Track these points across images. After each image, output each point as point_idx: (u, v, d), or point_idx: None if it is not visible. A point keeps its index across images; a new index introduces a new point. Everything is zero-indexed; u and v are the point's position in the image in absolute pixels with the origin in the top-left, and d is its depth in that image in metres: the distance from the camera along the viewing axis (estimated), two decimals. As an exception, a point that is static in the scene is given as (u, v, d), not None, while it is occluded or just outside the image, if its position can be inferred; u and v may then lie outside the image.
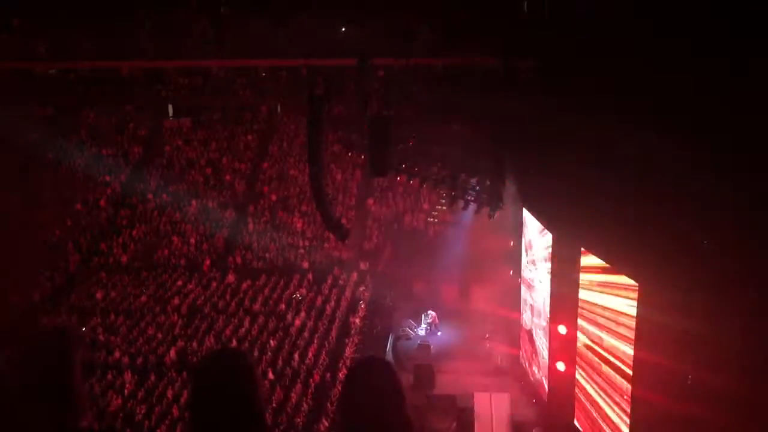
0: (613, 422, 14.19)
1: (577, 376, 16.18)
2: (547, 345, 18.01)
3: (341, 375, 20.02)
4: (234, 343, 21.78)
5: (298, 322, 22.98)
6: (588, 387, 15.60)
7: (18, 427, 2.46)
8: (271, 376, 19.84)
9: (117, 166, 32.44)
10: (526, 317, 20.44)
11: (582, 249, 15.20)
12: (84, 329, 22.40)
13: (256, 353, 21.15)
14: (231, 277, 26.51)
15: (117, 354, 21.42)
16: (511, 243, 22.32)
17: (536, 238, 18.92)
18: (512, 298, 22.03)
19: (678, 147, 10.68)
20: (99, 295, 25.54)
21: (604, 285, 14.36)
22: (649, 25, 11.16)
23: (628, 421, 13.41)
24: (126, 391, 19.61)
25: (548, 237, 17.52)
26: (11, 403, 2.47)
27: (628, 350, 13.18)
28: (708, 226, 10.74)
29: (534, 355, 19.69)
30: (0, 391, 2.50)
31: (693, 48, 10.33)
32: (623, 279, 13.23)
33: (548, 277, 17.71)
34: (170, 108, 35.28)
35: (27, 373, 2.50)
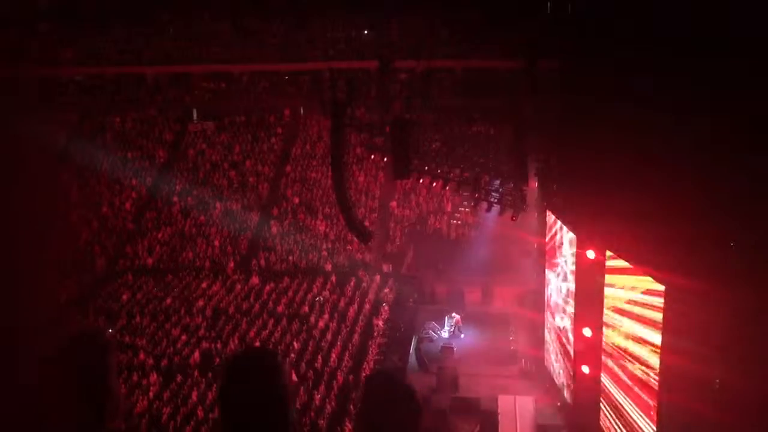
0: (639, 426, 14.03)
1: (603, 380, 16.02)
2: (572, 348, 17.86)
3: (364, 377, 20.05)
4: (257, 345, 21.90)
5: (321, 324, 23.05)
6: (614, 390, 15.44)
7: (57, 427, 2.52)
8: (294, 378, 19.92)
9: (142, 169, 32.82)
10: (551, 319, 20.29)
11: (607, 251, 15.06)
12: (111, 331, 22.67)
13: (279, 355, 21.26)
14: (255, 280, 26.67)
15: (142, 355, 21.65)
16: (535, 245, 22.20)
17: (560, 239, 18.79)
18: (536, 300, 21.90)
19: (707, 147, 10.55)
20: (125, 297, 25.84)
21: (629, 288, 14.22)
22: (675, 21, 11.04)
23: (654, 425, 13.25)
24: (151, 393, 19.81)
25: (572, 238, 17.39)
26: (50, 403, 2.54)
27: (655, 353, 13.03)
28: (736, 228, 10.59)
29: (559, 357, 19.54)
30: (40, 391, 2.56)
31: (722, 45, 10.19)
32: (649, 281, 13.08)
33: (573, 279, 17.57)
34: (194, 112, 35.62)
35: (65, 374, 2.56)
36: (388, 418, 2.48)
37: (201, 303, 25.09)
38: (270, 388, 2.48)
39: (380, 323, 23.28)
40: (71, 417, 2.52)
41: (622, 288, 14.59)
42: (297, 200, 30.97)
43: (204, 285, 26.54)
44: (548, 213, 19.77)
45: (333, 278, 26.24)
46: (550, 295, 20.22)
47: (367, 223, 25.14)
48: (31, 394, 2.56)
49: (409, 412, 2.50)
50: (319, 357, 21.06)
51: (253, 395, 2.46)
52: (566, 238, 18.06)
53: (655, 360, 13.06)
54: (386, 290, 25.46)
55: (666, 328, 12.45)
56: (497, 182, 19.95)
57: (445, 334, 23.46)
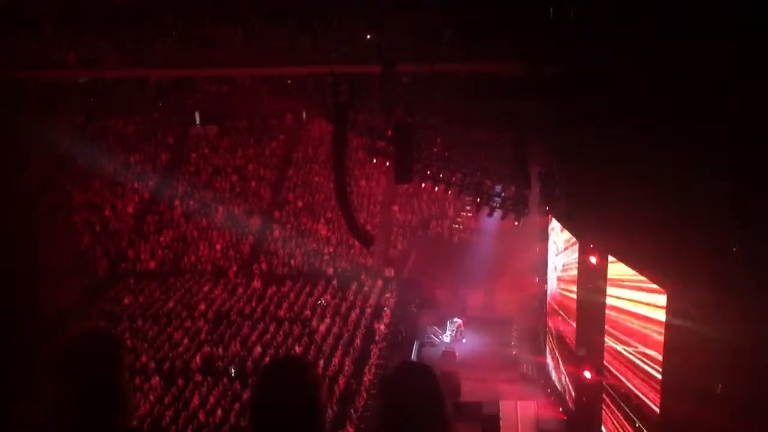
0: (641, 432, 13.99)
1: (605, 385, 15.99)
2: (574, 353, 17.82)
3: (366, 381, 20.02)
4: (259, 348, 21.88)
5: (323, 329, 23.03)
6: (615, 395, 15.40)
7: (73, 425, 2.52)
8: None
9: (145, 173, 32.85)
10: (553, 324, 20.26)
11: (609, 256, 15.03)
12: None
13: (281, 359, 21.23)
14: (257, 283, 26.66)
15: (144, 359, 21.64)
16: (537, 249, 22.18)
17: (562, 244, 18.77)
18: (538, 305, 21.87)
19: (709, 152, 10.54)
20: (127, 301, 25.85)
21: (631, 292, 14.18)
22: (682, 27, 11.03)
23: (657, 431, 13.20)
24: (153, 396, 19.79)
25: (574, 243, 17.36)
26: (67, 401, 2.54)
27: (657, 358, 12.99)
28: (738, 233, 10.57)
29: (560, 362, 19.50)
30: (57, 389, 2.57)
31: (724, 53, 10.18)
32: (651, 286, 13.05)
33: (575, 284, 17.54)
34: (197, 115, 35.63)
35: (77, 372, 2.56)
36: (411, 409, 2.42)
37: (203, 307, 25.10)
38: (302, 398, 2.45)
39: (382, 328, 23.26)
40: (82, 416, 2.52)
41: (624, 292, 14.56)
42: (299, 204, 30.98)
43: (206, 288, 26.55)
44: (550, 218, 19.75)
45: (335, 282, 26.23)
46: (552, 299, 20.19)
47: (368, 228, 25.12)
48: (37, 393, 2.57)
49: (434, 401, 2.44)
50: (321, 361, 21.03)
51: (285, 405, 2.43)
52: (568, 242, 18.04)
53: (657, 365, 13.02)
54: (388, 295, 25.45)
55: (668, 333, 12.42)
56: (499, 187, 19.93)
57: (446, 338, 23.44)
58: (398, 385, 2.49)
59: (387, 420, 2.45)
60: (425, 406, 2.42)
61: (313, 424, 2.46)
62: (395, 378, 2.53)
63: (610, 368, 15.58)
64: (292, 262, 27.90)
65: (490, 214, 20.14)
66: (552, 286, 20.25)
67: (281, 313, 24.48)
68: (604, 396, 16.01)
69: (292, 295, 25.60)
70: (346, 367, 20.90)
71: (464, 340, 23.39)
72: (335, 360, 21.14)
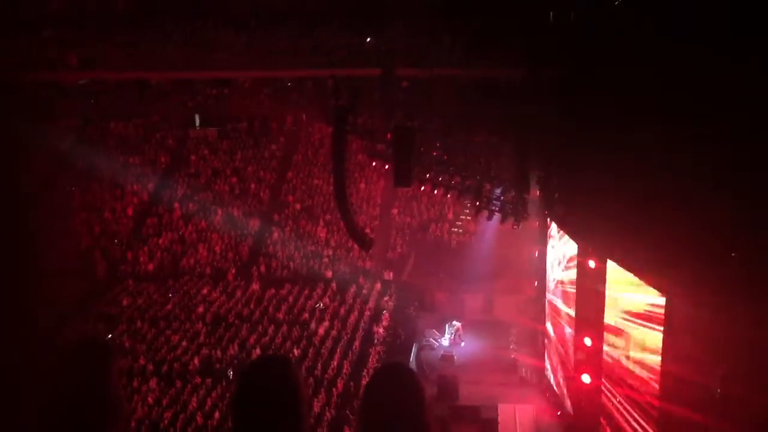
0: (639, 436, 13.98)
1: (603, 389, 15.98)
2: (573, 356, 17.83)
3: (364, 384, 20.02)
4: (257, 351, 21.88)
5: (321, 331, 23.04)
6: (614, 400, 15.39)
7: None
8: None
9: (144, 175, 32.85)
10: (551, 328, 20.26)
11: (608, 260, 15.04)
12: (110, 336, 22.68)
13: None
14: (255, 286, 26.66)
15: (142, 361, 21.63)
16: (536, 253, 22.19)
17: (561, 248, 18.78)
18: (537, 309, 21.87)
19: (708, 158, 10.55)
20: (126, 303, 25.84)
21: (630, 296, 14.19)
22: (683, 29, 11.04)
23: (655, 435, 13.20)
24: (151, 398, 19.78)
25: (573, 247, 17.37)
26: (54, 410, 2.53)
27: (656, 363, 13.00)
28: (737, 238, 10.57)
29: (559, 366, 19.50)
30: (43, 398, 2.56)
31: (723, 58, 10.20)
32: (650, 291, 13.06)
33: (573, 287, 17.55)
34: (197, 118, 35.65)
35: (68, 380, 2.55)
36: (389, 412, 2.42)
37: (201, 309, 25.09)
38: (283, 397, 2.44)
39: (380, 331, 23.26)
40: (73, 424, 2.51)
41: (623, 297, 14.56)
42: (298, 207, 30.99)
43: (204, 291, 26.54)
44: (549, 222, 19.77)
45: (333, 285, 26.23)
46: (551, 303, 20.20)
47: (368, 231, 25.12)
48: (33, 400, 2.55)
49: (413, 405, 2.44)
50: (319, 364, 21.04)
51: (265, 404, 2.42)
52: (567, 246, 18.04)
53: (656, 370, 13.03)
54: (387, 298, 25.45)
55: (667, 337, 12.42)
56: (499, 190, 19.93)
57: (445, 341, 23.42)
58: (377, 389, 2.49)
59: (365, 423, 2.45)
60: (403, 409, 2.42)
61: (295, 422, 2.46)
62: (375, 381, 2.53)
63: (608, 372, 15.58)
64: (291, 264, 27.89)
65: (490, 218, 20.16)
66: (551, 289, 20.25)
67: (280, 315, 24.48)
68: (603, 400, 16.00)
69: (290, 298, 25.59)
70: (345, 370, 20.90)
71: (463, 344, 23.37)
72: (334, 363, 21.14)
